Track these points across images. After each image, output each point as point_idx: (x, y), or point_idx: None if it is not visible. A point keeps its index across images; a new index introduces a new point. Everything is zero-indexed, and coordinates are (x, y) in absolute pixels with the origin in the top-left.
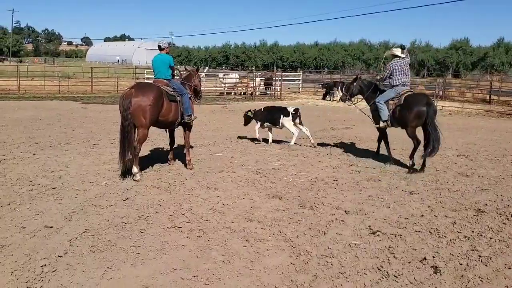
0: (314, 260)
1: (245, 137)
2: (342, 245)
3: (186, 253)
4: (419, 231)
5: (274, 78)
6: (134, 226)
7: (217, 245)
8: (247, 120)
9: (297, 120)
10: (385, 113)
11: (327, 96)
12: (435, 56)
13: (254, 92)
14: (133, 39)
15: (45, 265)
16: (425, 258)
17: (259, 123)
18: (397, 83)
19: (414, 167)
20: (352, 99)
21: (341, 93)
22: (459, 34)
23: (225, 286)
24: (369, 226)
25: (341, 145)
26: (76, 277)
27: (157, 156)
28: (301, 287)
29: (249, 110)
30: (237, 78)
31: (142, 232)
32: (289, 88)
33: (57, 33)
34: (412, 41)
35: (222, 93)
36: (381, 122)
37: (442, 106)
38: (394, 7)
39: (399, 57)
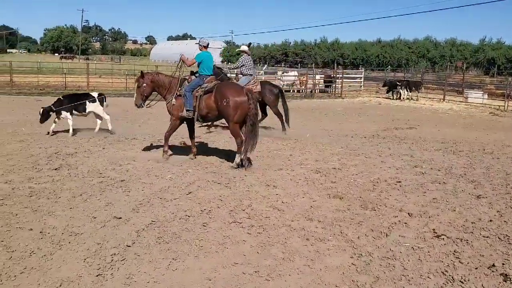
0: (376, 262)
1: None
2: (405, 247)
3: (247, 249)
4: (487, 237)
5: (334, 75)
6: (197, 220)
7: (277, 242)
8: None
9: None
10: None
11: (391, 95)
12: (507, 54)
13: (313, 90)
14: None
15: (114, 254)
16: (493, 265)
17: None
18: (247, 73)
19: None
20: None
21: (406, 92)
22: None
23: (285, 283)
24: (433, 230)
25: (404, 145)
26: (143, 266)
27: (216, 153)
28: None
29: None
30: (296, 76)
31: (205, 226)
32: (350, 86)
33: (123, 32)
34: (481, 38)
35: None
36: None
37: None
38: (462, 2)
39: (247, 53)
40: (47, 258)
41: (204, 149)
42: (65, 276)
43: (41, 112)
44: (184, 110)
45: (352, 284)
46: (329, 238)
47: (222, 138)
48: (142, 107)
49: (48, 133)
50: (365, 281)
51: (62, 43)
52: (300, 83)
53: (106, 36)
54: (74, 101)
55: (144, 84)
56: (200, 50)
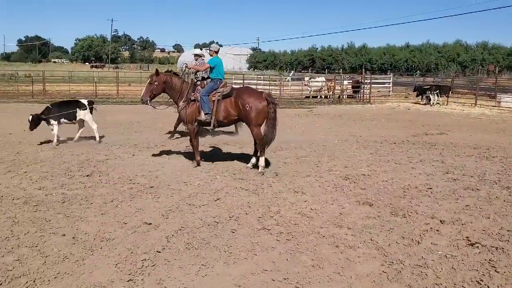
0: (407, 270)
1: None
2: (437, 255)
3: (276, 256)
4: None
5: (362, 81)
6: (226, 226)
7: (306, 250)
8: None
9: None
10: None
11: (421, 100)
12: None
13: (341, 96)
14: (221, 46)
15: (145, 259)
16: None
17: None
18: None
19: None
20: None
21: (435, 97)
22: None
23: None
24: (467, 237)
25: (435, 151)
26: (173, 272)
27: (244, 159)
28: None
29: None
30: (323, 81)
31: (233, 232)
32: (378, 91)
33: (151, 41)
34: None
35: (307, 97)
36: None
37: None
38: (494, 5)
39: (201, 56)
40: (79, 263)
41: (231, 156)
42: (97, 281)
43: (30, 119)
44: (202, 114)
45: None
46: (359, 245)
47: (249, 145)
48: (147, 104)
49: (57, 141)
50: None
51: (92, 52)
52: (327, 88)
53: (135, 45)
54: (63, 109)
55: (156, 83)
56: (211, 55)
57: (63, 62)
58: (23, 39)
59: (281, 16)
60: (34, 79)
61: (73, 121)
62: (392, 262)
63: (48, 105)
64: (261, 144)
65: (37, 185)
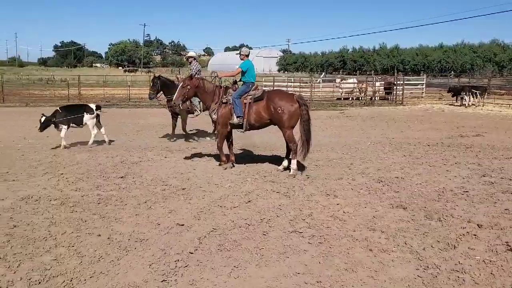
0: (443, 275)
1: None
2: (475, 260)
3: (308, 258)
4: None
5: (395, 82)
6: (257, 228)
7: (339, 253)
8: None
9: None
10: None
11: (456, 101)
12: None
13: (373, 97)
14: (251, 48)
15: (178, 260)
16: None
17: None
18: None
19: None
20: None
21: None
22: None
23: None
24: (507, 242)
25: (471, 153)
26: (206, 273)
27: (275, 162)
28: None
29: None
30: (355, 83)
31: (265, 235)
32: (411, 92)
33: (182, 45)
34: None
35: (339, 99)
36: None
37: None
38: None
39: (195, 59)
40: (114, 263)
41: (262, 158)
42: (132, 281)
43: (41, 120)
44: (234, 117)
45: None
46: (393, 249)
47: (280, 147)
48: (179, 107)
49: (65, 146)
50: None
51: (125, 57)
52: (359, 90)
53: (166, 49)
54: (72, 112)
55: (189, 87)
56: (242, 59)
57: (103, 67)
58: (59, 44)
59: (311, 18)
60: (69, 83)
61: (80, 125)
62: (428, 267)
63: (58, 108)
64: (293, 146)
65: (74, 186)
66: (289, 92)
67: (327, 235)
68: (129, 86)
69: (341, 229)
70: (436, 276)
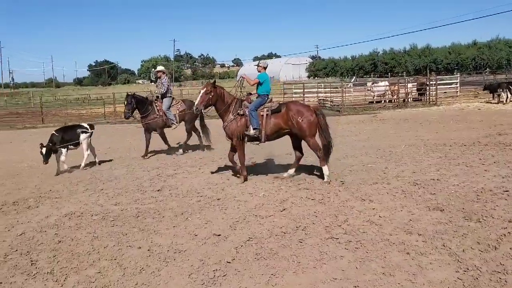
0: (485, 277)
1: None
2: None
3: (345, 264)
4: None
5: (428, 82)
6: (293, 236)
7: (376, 257)
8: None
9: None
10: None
11: (493, 98)
12: None
13: (406, 99)
14: (279, 56)
15: (216, 269)
16: None
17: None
18: (170, 96)
19: None
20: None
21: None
22: None
23: None
24: None
25: (510, 152)
26: (244, 282)
27: (307, 169)
28: None
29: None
30: (386, 85)
31: (301, 242)
32: (445, 92)
33: (211, 57)
34: None
35: (371, 102)
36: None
37: None
38: None
39: (165, 73)
40: (155, 274)
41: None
42: None
43: (43, 152)
44: (251, 129)
45: None
46: (431, 252)
47: (311, 155)
48: (200, 112)
49: (65, 167)
50: None
51: None
52: (391, 92)
53: (196, 63)
54: (68, 134)
55: (212, 94)
56: (259, 71)
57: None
58: (93, 63)
59: (338, 22)
60: (105, 101)
61: (77, 146)
62: (468, 269)
63: (53, 131)
64: (320, 153)
65: (113, 201)
66: (305, 103)
67: (363, 240)
68: None
69: (377, 233)
70: (477, 278)
